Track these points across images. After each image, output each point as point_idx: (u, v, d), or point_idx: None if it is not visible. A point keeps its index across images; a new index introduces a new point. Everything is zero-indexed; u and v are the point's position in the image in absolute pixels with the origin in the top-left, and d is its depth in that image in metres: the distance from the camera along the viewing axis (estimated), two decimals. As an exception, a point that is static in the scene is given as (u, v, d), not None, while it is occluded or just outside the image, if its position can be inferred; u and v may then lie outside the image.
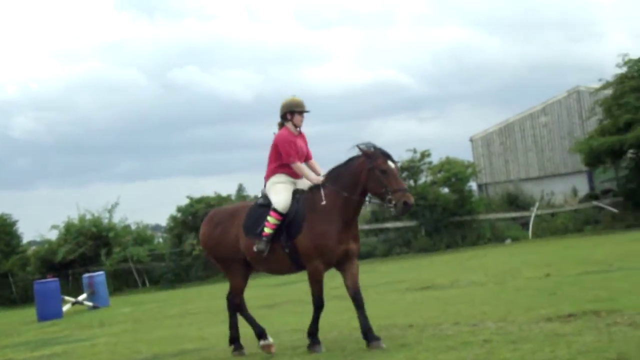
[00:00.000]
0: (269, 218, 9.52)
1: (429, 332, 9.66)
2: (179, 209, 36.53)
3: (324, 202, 9.36)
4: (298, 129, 10.03)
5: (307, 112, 10.06)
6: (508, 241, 31.03)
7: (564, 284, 13.26)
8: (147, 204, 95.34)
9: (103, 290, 25.95)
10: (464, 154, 51.40)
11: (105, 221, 36.83)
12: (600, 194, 35.48)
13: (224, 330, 10.58)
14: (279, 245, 9.52)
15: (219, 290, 21.25)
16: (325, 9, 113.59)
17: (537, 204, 33.58)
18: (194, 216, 35.44)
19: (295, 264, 9.68)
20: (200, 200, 36.26)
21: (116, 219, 37.64)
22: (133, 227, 38.45)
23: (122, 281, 35.26)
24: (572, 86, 40.72)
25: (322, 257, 9.33)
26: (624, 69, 30.44)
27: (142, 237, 37.35)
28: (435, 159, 33.06)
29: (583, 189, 37.95)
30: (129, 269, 35.23)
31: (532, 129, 41.65)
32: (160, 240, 40.18)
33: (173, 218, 36.83)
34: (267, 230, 9.48)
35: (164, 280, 34.73)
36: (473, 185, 36.25)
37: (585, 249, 21.67)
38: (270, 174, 9.94)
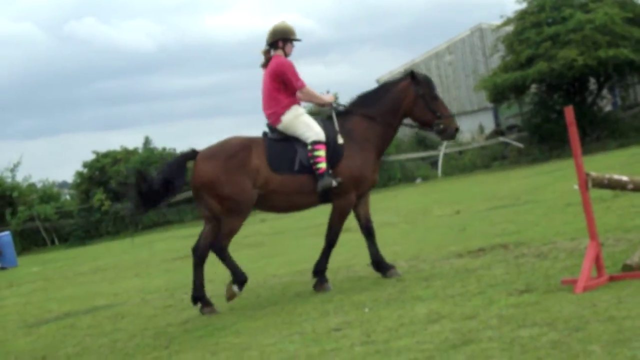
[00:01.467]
0: (316, 153, 8.74)
1: (343, 275, 9.75)
2: (85, 165, 35.88)
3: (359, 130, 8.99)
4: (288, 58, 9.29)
5: (299, 40, 9.34)
6: (418, 181, 31.49)
7: (474, 219, 13.52)
8: (52, 161, 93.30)
9: (10, 250, 25.37)
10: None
11: (8, 180, 35.87)
12: (505, 129, 36.23)
13: (137, 284, 10.45)
14: (309, 178, 8.78)
15: (129, 246, 21.06)
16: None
17: (444, 143, 34.09)
18: (100, 171, 34.88)
19: (322, 197, 9.02)
20: (106, 155, 35.68)
21: (20, 177, 36.73)
22: (38, 185, 37.54)
23: (30, 240, 34.52)
24: (474, 24, 41.22)
25: (357, 189, 8.99)
26: (524, 5, 30.82)
27: (48, 194, 36.47)
28: (343, 102, 33.06)
29: (489, 125, 38.70)
30: (37, 227, 34.47)
31: (438, 68, 42.06)
32: (68, 197, 39.43)
33: (79, 174, 36.11)
34: (323, 165, 8.72)
35: (74, 238, 34.15)
36: (382, 126, 36.50)
37: (493, 184, 22.11)
38: (282, 109, 8.98)
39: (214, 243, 8.91)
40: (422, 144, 35.53)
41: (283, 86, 9.00)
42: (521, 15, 30.66)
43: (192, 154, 9.11)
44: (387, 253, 10.91)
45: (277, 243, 15.77)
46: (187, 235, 22.77)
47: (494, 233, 11.00)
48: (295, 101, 9.11)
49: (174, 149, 35.60)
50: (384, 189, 30.09)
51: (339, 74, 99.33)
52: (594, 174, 6.76)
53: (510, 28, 31.86)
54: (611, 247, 8.19)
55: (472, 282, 7.61)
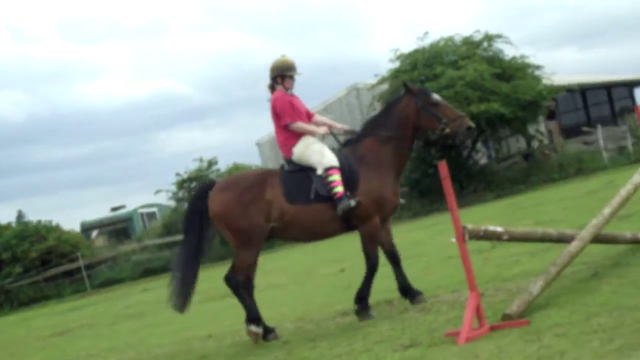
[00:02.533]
0: (331, 178, 8.77)
1: (228, 340, 9.62)
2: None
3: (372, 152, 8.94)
4: (289, 91, 9.43)
5: (298, 74, 9.45)
6: (302, 241, 31.49)
7: (358, 277, 13.51)
8: None
9: None
10: (253, 159, 51.73)
11: None
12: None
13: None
14: (326, 206, 8.82)
15: (4, 324, 20.21)
16: (90, 23, 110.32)
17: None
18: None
19: (345, 224, 9.01)
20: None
21: None
22: None
23: None
24: (350, 83, 41.98)
25: (380, 213, 8.91)
26: (397, 63, 31.66)
27: None
28: (224, 165, 33.03)
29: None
30: None
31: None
32: None
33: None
34: (340, 189, 8.72)
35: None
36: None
37: (376, 241, 22.27)
38: (294, 141, 9.17)
39: (229, 277, 9.18)
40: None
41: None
42: (395, 74, 31.43)
43: (211, 185, 9.42)
44: (274, 315, 10.88)
45: (159, 312, 15.44)
46: (66, 309, 22.09)
47: (378, 289, 11.04)
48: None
49: (50, 221, 34.63)
50: (270, 251, 29.99)
51: (218, 138, 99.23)
52: (470, 226, 6.94)
53: (385, 86, 32.63)
54: (491, 297, 8.37)
55: (358, 340, 7.64)
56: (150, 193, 62.83)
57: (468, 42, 31.41)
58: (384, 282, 11.65)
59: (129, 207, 48.78)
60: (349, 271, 15.12)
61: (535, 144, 32.93)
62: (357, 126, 33.14)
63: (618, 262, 8.29)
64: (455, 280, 9.96)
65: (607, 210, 8.54)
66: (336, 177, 8.76)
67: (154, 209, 47.07)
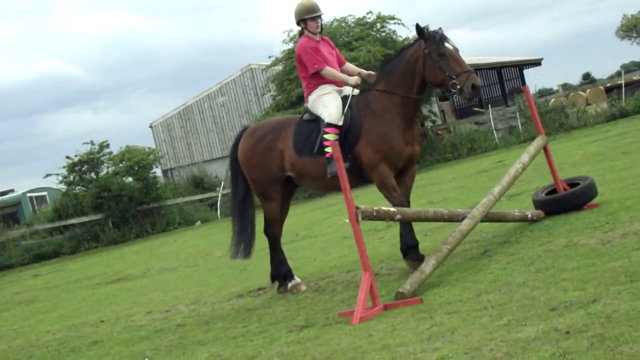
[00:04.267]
0: (326, 136, 8.45)
1: (121, 325, 9.46)
2: None
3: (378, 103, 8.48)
4: (317, 35, 8.99)
5: (322, 14, 8.99)
6: (198, 223, 31.33)
7: (254, 259, 13.46)
8: None
9: None
10: (146, 141, 51.10)
11: None
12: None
13: None
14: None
15: None
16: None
17: (222, 184, 34.20)
18: None
19: (358, 177, 8.60)
20: None
21: None
22: None
23: None
24: (245, 64, 41.84)
25: (387, 161, 8.38)
26: (291, 45, 31.65)
27: None
28: (116, 148, 32.41)
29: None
30: None
31: (211, 110, 42.31)
32: None
33: None
34: (329, 150, 8.29)
35: None
36: (157, 171, 36.11)
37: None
38: (310, 90, 8.91)
39: (265, 231, 9.35)
40: (199, 186, 35.46)
41: (307, 68, 8.89)
42: (289, 55, 31.47)
43: (244, 130, 9.58)
44: (167, 299, 10.79)
45: (50, 298, 15.09)
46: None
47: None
48: (321, 81, 8.86)
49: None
50: (162, 234, 29.70)
51: (109, 120, 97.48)
52: (363, 207, 6.99)
53: (279, 68, 32.63)
54: (385, 276, 8.49)
55: (253, 322, 7.63)
56: (39, 177, 61.21)
57: (361, 23, 31.70)
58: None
59: (18, 191, 47.47)
60: (245, 253, 15.07)
61: (428, 124, 33.46)
62: (254, 108, 33.12)
63: (507, 240, 8.51)
64: (349, 260, 10.06)
65: (496, 189, 8.75)
66: (330, 136, 8.45)
67: (44, 193, 45.92)
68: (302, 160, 8.76)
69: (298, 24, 9.08)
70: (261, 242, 9.84)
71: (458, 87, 8.10)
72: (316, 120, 8.77)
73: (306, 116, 8.97)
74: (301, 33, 9.13)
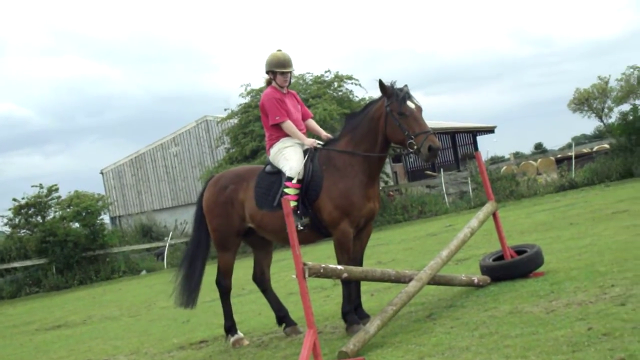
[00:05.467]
0: (287, 190, 8.37)
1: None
2: None
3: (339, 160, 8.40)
4: (284, 89, 8.95)
5: (292, 70, 8.94)
6: (143, 273, 30.93)
7: (197, 311, 13.37)
8: None
9: None
10: (96, 187, 50.60)
11: None
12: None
13: None
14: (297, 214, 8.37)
15: None
16: None
17: (170, 234, 33.93)
18: None
19: (317, 232, 8.58)
20: None
21: None
22: None
23: None
24: (200, 116, 41.87)
25: (348, 218, 8.27)
26: (247, 99, 31.80)
27: None
28: (65, 193, 32.03)
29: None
30: None
31: (164, 159, 42.18)
32: None
33: None
34: (293, 204, 8.27)
35: None
36: (105, 218, 35.70)
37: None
38: (272, 142, 8.84)
39: (217, 281, 9.33)
40: (147, 235, 35.11)
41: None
42: (244, 109, 31.60)
43: (209, 179, 9.63)
44: (107, 348, 10.60)
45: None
46: None
47: (217, 324, 10.97)
48: (286, 133, 8.79)
49: None
50: (107, 282, 29.26)
51: (59, 164, 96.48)
52: (310, 263, 6.96)
53: (235, 121, 32.69)
54: (329, 334, 8.44)
55: (193, 376, 7.52)
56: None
57: (319, 81, 31.99)
58: (221, 317, 11.59)
59: (-40, 231, 46.53)
60: (189, 305, 14.90)
61: (380, 184, 33.64)
62: (207, 159, 33.11)
63: (453, 304, 8.53)
64: (295, 316, 9.96)
65: (444, 253, 8.79)
66: (292, 190, 8.41)
67: (-12, 235, 45.10)
68: (261, 212, 8.73)
69: (267, 73, 9.04)
70: (207, 293, 9.75)
71: (415, 147, 8.04)
72: (278, 172, 8.72)
73: (268, 168, 8.93)
74: (269, 83, 9.09)
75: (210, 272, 9.48)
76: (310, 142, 8.80)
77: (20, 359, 11.18)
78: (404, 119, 8.16)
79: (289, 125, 8.79)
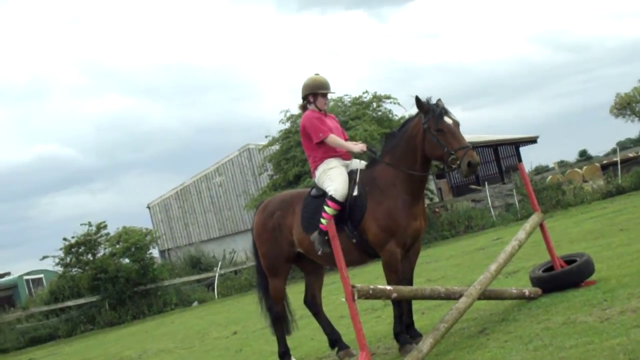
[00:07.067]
0: (325, 208, 8.38)
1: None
2: None
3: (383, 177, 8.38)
4: (323, 111, 9.03)
5: (332, 93, 9.09)
6: (195, 304, 31.10)
7: (250, 339, 13.48)
8: None
9: None
10: (143, 222, 51.05)
11: None
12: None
13: None
14: (343, 235, 8.21)
15: None
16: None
17: (219, 264, 34.08)
18: None
19: (365, 253, 8.58)
20: None
21: None
22: None
23: None
24: (242, 144, 42.09)
25: (395, 238, 8.22)
26: (287, 125, 31.92)
27: None
28: (113, 229, 32.37)
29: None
30: None
31: (208, 190, 42.44)
32: None
33: None
34: (324, 222, 8.29)
35: None
36: (154, 252, 36.00)
37: (269, 302, 22.16)
38: (316, 164, 8.86)
39: (269, 307, 9.50)
40: (196, 267, 35.32)
41: (312, 140, 8.85)
42: (285, 135, 31.72)
43: (259, 205, 9.69)
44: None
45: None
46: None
47: (270, 351, 10.99)
48: (330, 154, 8.81)
49: None
50: (159, 315, 29.45)
51: (105, 201, 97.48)
52: (359, 285, 6.97)
53: (276, 147, 32.83)
54: (382, 355, 8.42)
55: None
56: (36, 259, 60.99)
57: (357, 102, 32.02)
58: (274, 344, 11.62)
59: (14, 274, 47.23)
60: (242, 334, 14.96)
61: (426, 202, 33.48)
62: (251, 187, 33.20)
63: (505, 318, 8.46)
64: (347, 339, 9.95)
65: (493, 267, 8.73)
66: (331, 210, 8.36)
67: (41, 276, 45.73)
68: (309, 237, 8.68)
69: (305, 98, 9.06)
70: (258, 320, 9.78)
71: (458, 162, 7.98)
72: (323, 195, 8.65)
73: (314, 192, 8.89)
74: (304, 108, 9.13)
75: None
76: (360, 147, 8.75)
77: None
78: (442, 135, 8.12)
79: (333, 138, 8.78)
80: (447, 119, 8.19)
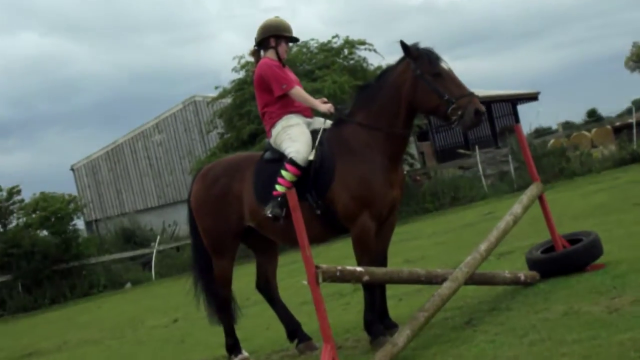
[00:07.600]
0: (283, 173, 8.20)
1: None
2: None
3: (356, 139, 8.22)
4: (283, 60, 8.87)
5: (296, 40, 9.04)
6: (128, 285, 31.05)
7: (194, 329, 13.49)
8: None
9: None
10: (66, 187, 50.73)
11: None
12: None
13: None
14: (305, 207, 7.85)
15: None
16: None
17: (158, 238, 33.99)
18: None
19: (331, 228, 8.43)
20: None
21: None
22: None
23: None
24: (187, 96, 41.86)
25: (369, 210, 8.09)
26: (242, 74, 31.65)
27: None
28: (28, 196, 32.11)
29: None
30: None
31: (146, 149, 42.24)
32: None
33: None
34: (280, 189, 8.15)
35: None
36: (79, 223, 35.79)
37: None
38: (273, 121, 8.67)
39: (214, 292, 9.40)
40: (130, 241, 35.21)
41: (271, 92, 8.65)
42: (239, 86, 31.44)
43: (198, 171, 9.63)
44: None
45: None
46: None
47: (217, 343, 10.99)
48: (290, 109, 8.66)
49: None
50: (84, 299, 29.34)
51: (20, 161, 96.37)
52: (324, 266, 6.94)
53: (228, 100, 32.61)
54: (350, 349, 8.46)
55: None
56: None
57: (325, 49, 31.85)
58: (221, 335, 11.63)
59: None
60: (183, 321, 14.98)
61: (405, 167, 33.62)
62: (198, 148, 33.20)
63: (496, 307, 8.52)
64: (309, 329, 9.96)
65: (483, 246, 8.77)
66: (289, 175, 8.21)
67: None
68: (261, 207, 8.52)
69: (265, 41, 8.89)
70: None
71: (459, 112, 7.92)
72: (280, 159, 8.48)
73: (268, 154, 8.77)
74: (257, 57, 9.01)
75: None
76: (327, 107, 8.60)
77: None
78: (440, 81, 8.05)
79: (299, 90, 8.67)
80: (443, 64, 8.16)
